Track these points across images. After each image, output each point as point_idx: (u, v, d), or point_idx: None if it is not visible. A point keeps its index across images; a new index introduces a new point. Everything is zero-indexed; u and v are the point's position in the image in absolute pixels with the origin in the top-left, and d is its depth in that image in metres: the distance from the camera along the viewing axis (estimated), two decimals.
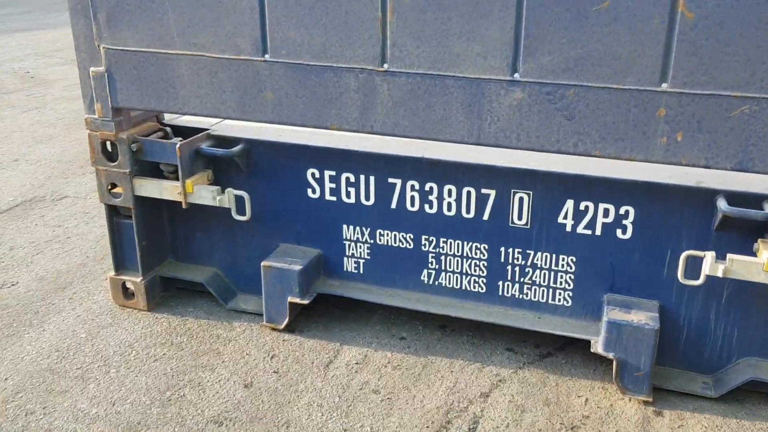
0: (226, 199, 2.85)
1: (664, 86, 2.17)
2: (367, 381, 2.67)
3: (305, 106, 2.57)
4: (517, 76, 2.30)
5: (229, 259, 3.16)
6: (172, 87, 2.70)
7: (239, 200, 2.88)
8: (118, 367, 2.73)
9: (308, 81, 2.53)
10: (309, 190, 2.92)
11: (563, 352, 2.86)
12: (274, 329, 2.97)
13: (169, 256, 3.23)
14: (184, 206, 2.88)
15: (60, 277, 3.41)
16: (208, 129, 2.98)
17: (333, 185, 2.88)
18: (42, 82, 7.74)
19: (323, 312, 3.07)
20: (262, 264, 2.90)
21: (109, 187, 2.95)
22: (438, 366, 2.76)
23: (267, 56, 2.55)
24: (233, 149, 2.87)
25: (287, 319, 2.92)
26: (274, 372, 2.70)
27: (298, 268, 2.86)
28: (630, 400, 2.57)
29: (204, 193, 2.86)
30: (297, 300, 2.88)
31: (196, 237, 3.17)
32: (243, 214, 2.89)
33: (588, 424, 2.46)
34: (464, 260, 2.81)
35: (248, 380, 2.65)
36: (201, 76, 2.65)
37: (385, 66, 2.43)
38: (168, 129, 3.02)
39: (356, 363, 2.77)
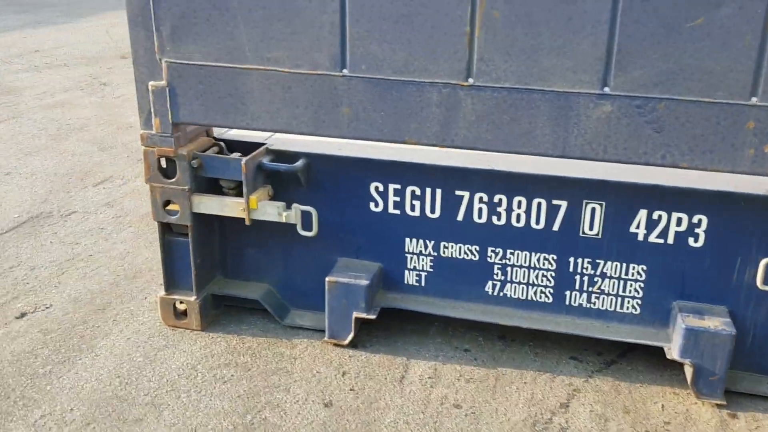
0: (292, 214, 2.80)
1: (754, 100, 2.24)
2: (445, 395, 2.66)
3: (383, 121, 2.55)
4: (607, 89, 2.33)
5: (282, 275, 3.10)
6: (242, 102, 2.64)
7: (305, 215, 2.83)
8: (187, 391, 2.64)
9: (388, 96, 2.51)
10: (372, 204, 2.89)
11: (625, 359, 2.91)
12: (337, 345, 2.93)
13: (217, 273, 3.15)
14: (247, 223, 2.81)
15: (95, 298, 3.28)
16: (264, 143, 2.91)
17: (397, 198, 2.86)
18: (9, 89, 7.41)
19: (380, 326, 3.04)
20: (327, 279, 2.86)
21: (164, 205, 2.85)
22: (509, 377, 2.77)
23: (345, 71, 2.52)
24: (296, 164, 2.82)
25: (352, 335, 2.89)
26: (351, 390, 2.67)
27: (364, 283, 2.83)
28: (704, 403, 2.64)
29: (269, 209, 2.80)
30: (363, 315, 2.85)
31: (247, 253, 3.10)
32: (309, 229, 2.84)
33: (671, 430, 2.51)
34: (531, 271, 2.83)
35: (326, 399, 2.61)
36: (273, 91, 2.60)
37: (470, 80, 2.42)
38: (222, 144, 2.94)
39: (429, 377, 2.76)
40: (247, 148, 2.93)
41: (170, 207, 2.87)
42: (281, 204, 2.80)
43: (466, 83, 2.43)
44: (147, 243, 3.86)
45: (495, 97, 2.42)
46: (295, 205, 2.81)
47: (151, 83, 2.69)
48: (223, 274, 3.16)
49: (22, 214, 4.21)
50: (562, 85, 2.36)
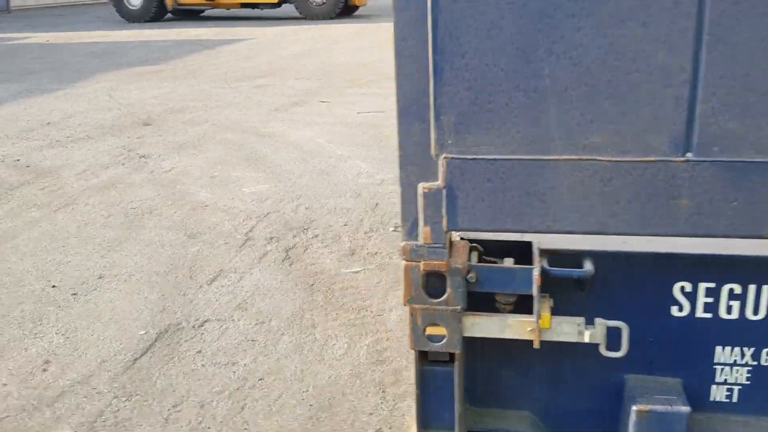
0: (597, 333, 2.25)
1: None
2: None
3: (735, 213, 2.03)
4: None
5: (546, 400, 2.54)
6: (541, 201, 2.10)
7: (612, 333, 2.28)
8: None
9: (746, 182, 2.00)
10: (674, 308, 2.36)
11: None
12: None
13: (464, 403, 2.57)
14: (536, 346, 2.25)
15: None
16: (530, 242, 2.38)
17: (709, 299, 2.33)
18: (43, 171, 6.74)
19: None
20: (635, 408, 2.30)
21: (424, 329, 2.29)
22: None
23: (689, 155, 2.00)
24: (587, 268, 2.29)
25: None
26: None
27: (685, 410, 2.29)
28: None
29: (566, 327, 2.25)
30: None
31: (501, 376, 2.54)
32: (616, 349, 2.29)
33: None
34: None
35: None
36: (587, 185, 2.07)
37: None
38: (480, 247, 2.40)
39: None
40: (498, 249, 2.40)
41: (432, 331, 2.30)
42: (580, 320, 2.26)
43: None
44: (316, 356, 3.26)
45: None
46: (599, 321, 2.26)
47: (422, 185, 2.13)
48: (470, 402, 2.59)
49: (148, 330, 3.57)
50: None
